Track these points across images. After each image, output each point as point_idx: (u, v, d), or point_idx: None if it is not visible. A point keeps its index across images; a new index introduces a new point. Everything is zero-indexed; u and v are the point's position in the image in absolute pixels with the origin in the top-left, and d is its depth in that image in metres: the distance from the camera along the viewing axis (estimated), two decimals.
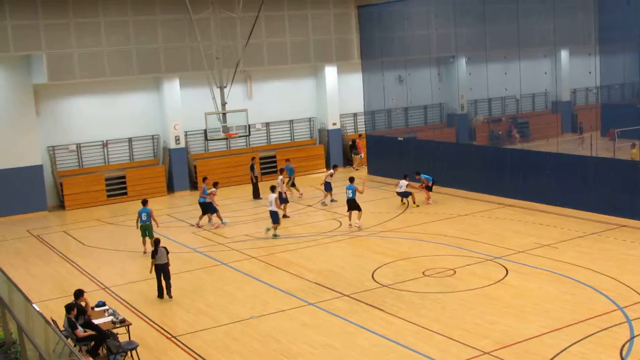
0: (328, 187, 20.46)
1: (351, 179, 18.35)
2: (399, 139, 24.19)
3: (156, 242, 13.18)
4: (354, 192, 17.67)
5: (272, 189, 17.47)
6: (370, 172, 25.40)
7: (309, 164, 26.29)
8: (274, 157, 26.55)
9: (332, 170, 20.89)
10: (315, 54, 26.38)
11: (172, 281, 13.91)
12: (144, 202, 16.63)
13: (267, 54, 25.42)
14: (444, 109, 28.44)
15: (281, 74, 26.99)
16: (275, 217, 17.20)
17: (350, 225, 17.83)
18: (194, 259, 16.15)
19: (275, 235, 17.36)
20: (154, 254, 13.15)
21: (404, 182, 19.85)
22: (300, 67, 26.83)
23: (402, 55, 24.42)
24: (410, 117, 27.62)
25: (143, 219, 16.31)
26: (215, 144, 25.90)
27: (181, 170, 25.04)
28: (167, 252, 13.24)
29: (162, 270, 13.20)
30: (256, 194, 22.04)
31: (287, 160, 22.26)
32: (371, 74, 25.35)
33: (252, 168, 22.25)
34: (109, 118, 24.49)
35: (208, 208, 18.44)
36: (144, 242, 16.54)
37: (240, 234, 18.18)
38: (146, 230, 16.42)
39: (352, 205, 17.67)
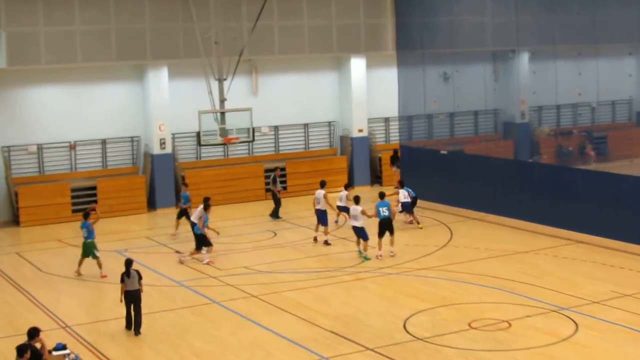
0: (344, 209, 20.72)
1: (382, 195, 18.63)
2: (442, 152, 24.43)
3: (127, 264, 13.51)
4: (389, 210, 18.05)
5: (357, 200, 18.12)
6: None
7: (327, 179, 24.46)
8: (283, 169, 26.67)
9: (345, 192, 20.84)
10: (339, 42, 26.57)
11: (148, 320, 14.03)
12: (86, 215, 17.28)
13: (279, 40, 25.61)
14: (499, 116, 28.43)
15: (295, 65, 27.16)
16: (363, 234, 17.81)
17: (379, 256, 18.04)
18: (178, 295, 16.22)
19: (365, 257, 18.04)
20: (124, 277, 13.42)
21: (405, 192, 20.57)
22: (319, 58, 27.05)
23: (448, 47, 24.50)
24: (457, 125, 27.70)
25: (84, 235, 17.05)
26: (209, 150, 26.00)
27: (166, 181, 25.13)
28: (140, 278, 13.57)
29: (132, 299, 13.50)
30: (275, 213, 22.48)
31: (184, 185, 21.85)
32: (409, 70, 25.47)
33: (274, 181, 22.65)
34: (79, 114, 24.65)
35: (204, 242, 18.65)
36: (81, 262, 17.25)
37: (238, 265, 18.26)
38: (88, 249, 17.10)
39: (387, 226, 17.94)
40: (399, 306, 14.87)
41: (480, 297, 15.26)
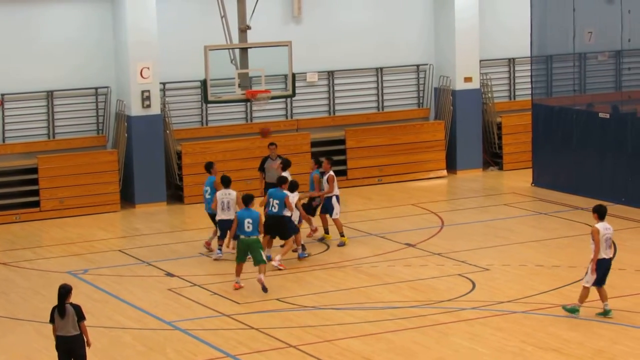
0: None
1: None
2: (602, 115, 22.74)
3: (60, 294, 12.41)
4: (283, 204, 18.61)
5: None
6: (535, 180, 23.72)
7: (416, 159, 23.06)
8: (342, 141, 24.22)
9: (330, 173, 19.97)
10: None
11: None
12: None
13: None
14: None
15: None
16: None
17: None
18: (171, 345, 14.68)
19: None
20: (55, 315, 12.65)
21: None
22: None
23: None
24: (628, 72, 24.98)
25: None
26: (222, 111, 24.09)
27: (152, 160, 23.12)
28: (81, 317, 12.43)
29: (67, 349, 12.52)
30: None
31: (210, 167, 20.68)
32: None
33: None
34: (11, 50, 22.75)
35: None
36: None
37: (267, 296, 16.58)
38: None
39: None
40: None
41: None
